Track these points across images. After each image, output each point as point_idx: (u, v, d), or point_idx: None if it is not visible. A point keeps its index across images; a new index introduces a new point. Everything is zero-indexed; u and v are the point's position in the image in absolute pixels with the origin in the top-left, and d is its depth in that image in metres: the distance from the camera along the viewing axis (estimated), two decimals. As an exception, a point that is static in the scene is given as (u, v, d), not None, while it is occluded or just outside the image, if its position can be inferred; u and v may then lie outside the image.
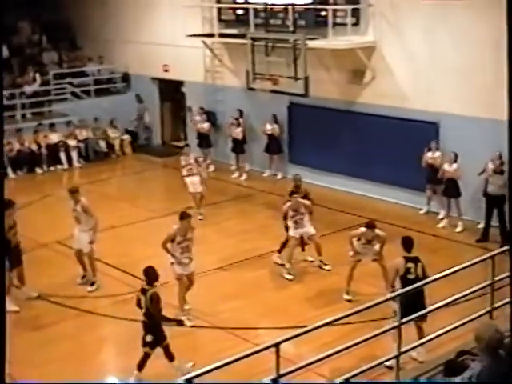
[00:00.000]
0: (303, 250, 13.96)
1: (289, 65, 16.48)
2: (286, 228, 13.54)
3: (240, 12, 19.66)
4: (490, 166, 14.46)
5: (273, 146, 19.66)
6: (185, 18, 19.84)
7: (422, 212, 16.47)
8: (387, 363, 8.83)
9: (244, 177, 20.02)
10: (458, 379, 6.49)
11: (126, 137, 23.43)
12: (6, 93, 21.02)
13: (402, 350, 8.28)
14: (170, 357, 9.69)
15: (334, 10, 16.88)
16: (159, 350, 9.66)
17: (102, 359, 11.06)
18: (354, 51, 16.94)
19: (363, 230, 11.87)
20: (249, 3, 19.08)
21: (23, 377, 9.38)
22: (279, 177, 19.69)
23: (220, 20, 20.16)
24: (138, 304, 9.74)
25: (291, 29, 17.33)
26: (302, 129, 19.15)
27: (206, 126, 20.86)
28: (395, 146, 16.86)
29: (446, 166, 15.34)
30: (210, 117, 21.16)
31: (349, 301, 12.01)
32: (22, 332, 10.92)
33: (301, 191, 13.72)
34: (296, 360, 8.38)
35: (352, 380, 7.81)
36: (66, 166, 21.74)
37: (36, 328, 11.53)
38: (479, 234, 14.81)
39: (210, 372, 6.68)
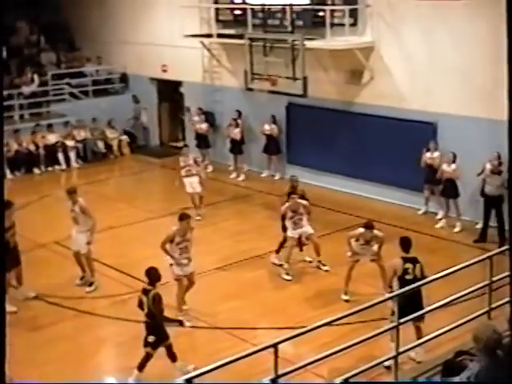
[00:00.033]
0: (301, 250, 13.96)
1: (287, 65, 16.48)
2: (283, 228, 13.56)
3: (238, 12, 19.65)
4: (488, 166, 14.46)
5: (271, 146, 19.66)
6: (183, 18, 19.82)
7: (420, 212, 16.48)
8: (385, 363, 8.83)
9: (242, 177, 20.02)
10: (456, 379, 6.50)
11: (124, 137, 23.41)
12: (3, 93, 20.97)
13: (401, 350, 8.28)
14: (172, 357, 9.69)
15: (332, 11, 16.87)
16: (160, 350, 9.66)
17: (100, 360, 11.05)
18: (351, 51, 16.95)
19: (361, 230, 11.88)
20: (247, 3, 19.08)
21: (21, 377, 9.36)
22: (277, 177, 19.68)
23: (218, 20, 20.16)
24: (140, 305, 9.71)
25: (289, 29, 17.32)
26: (300, 129, 19.15)
27: (204, 126, 20.86)
28: (393, 147, 16.87)
29: (444, 167, 15.35)
30: (209, 117, 21.14)
31: (347, 301, 12.01)
32: (20, 332, 10.89)
33: (297, 192, 13.72)
34: (294, 360, 8.37)
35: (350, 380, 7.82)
36: (63, 166, 21.72)
37: (34, 328, 11.52)
38: (477, 234, 14.82)
39: (209, 372, 6.68)
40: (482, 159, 14.55)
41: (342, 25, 16.78)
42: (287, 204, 13.32)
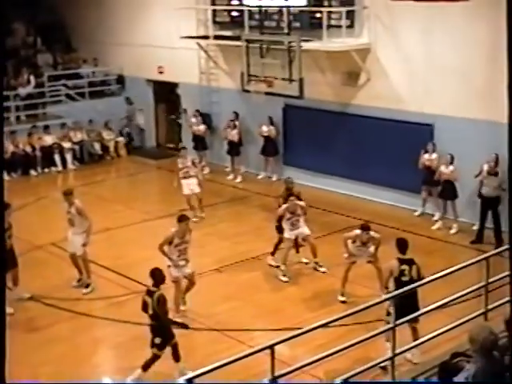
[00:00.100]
0: (297, 251, 13.96)
1: (283, 67, 16.45)
2: (278, 230, 13.56)
3: (235, 14, 19.67)
4: (485, 167, 14.49)
5: (269, 147, 19.66)
6: (179, 19, 19.79)
7: (416, 214, 16.48)
8: (382, 365, 8.83)
9: (239, 179, 20.01)
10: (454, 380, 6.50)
11: (121, 139, 23.41)
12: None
13: (397, 351, 8.29)
14: (176, 357, 9.70)
15: (329, 12, 16.90)
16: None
17: (97, 361, 11.03)
18: (348, 53, 16.96)
19: (358, 232, 11.89)
20: (243, 5, 19.09)
21: (18, 378, 9.34)
22: (274, 179, 19.68)
23: (215, 22, 20.19)
24: (144, 306, 9.65)
25: (286, 31, 17.32)
26: (296, 131, 19.15)
27: (201, 128, 20.85)
28: (390, 148, 16.88)
29: (442, 168, 15.35)
30: (206, 119, 21.14)
31: (343, 302, 12.02)
32: (17, 334, 10.85)
33: (293, 193, 13.72)
34: (291, 362, 8.39)
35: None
36: (60, 168, 21.72)
37: (31, 330, 11.52)
38: (474, 235, 14.83)
39: (207, 373, 6.68)
40: (480, 161, 14.55)
41: (339, 26, 16.80)
42: (285, 205, 13.31)
